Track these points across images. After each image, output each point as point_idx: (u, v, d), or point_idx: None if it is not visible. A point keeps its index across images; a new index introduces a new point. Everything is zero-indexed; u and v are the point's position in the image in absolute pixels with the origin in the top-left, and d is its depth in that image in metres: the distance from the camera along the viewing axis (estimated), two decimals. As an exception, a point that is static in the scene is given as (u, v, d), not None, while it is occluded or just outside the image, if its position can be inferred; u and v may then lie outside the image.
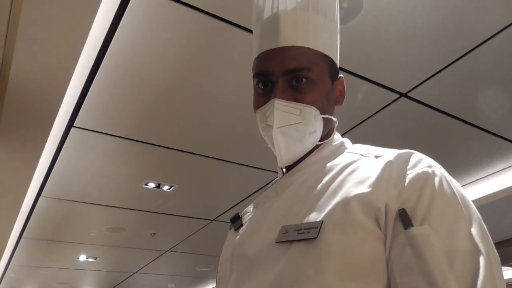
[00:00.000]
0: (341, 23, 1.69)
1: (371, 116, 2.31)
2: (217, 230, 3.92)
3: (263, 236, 0.74)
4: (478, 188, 3.17)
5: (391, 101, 2.19)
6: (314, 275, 0.63)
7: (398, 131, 2.48)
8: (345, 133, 2.44)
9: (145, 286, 6.58)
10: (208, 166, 2.80)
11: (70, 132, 2.34)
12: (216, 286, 0.86)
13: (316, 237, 0.64)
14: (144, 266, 5.29)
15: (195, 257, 4.92)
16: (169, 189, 3.11)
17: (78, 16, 1.50)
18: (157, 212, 3.57)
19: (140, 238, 4.22)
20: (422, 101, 2.19)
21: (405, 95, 2.15)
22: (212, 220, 3.77)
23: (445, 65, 1.95)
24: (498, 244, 4.05)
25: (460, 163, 2.86)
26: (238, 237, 0.81)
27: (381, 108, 2.25)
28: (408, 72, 1.99)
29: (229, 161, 2.77)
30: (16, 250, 4.31)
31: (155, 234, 4.08)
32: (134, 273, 5.64)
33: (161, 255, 4.80)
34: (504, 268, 5.58)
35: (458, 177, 3.02)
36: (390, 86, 2.09)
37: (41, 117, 2.04)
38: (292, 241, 0.67)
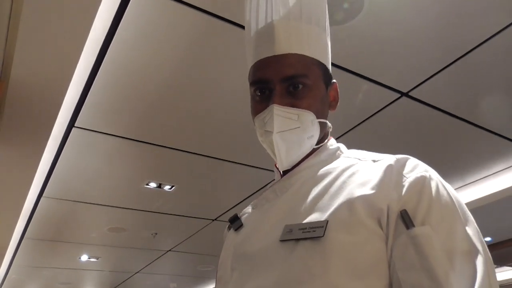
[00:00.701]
0: (342, 23, 1.70)
1: (372, 115, 2.31)
2: (218, 230, 3.92)
3: (265, 235, 0.75)
4: (479, 188, 3.16)
5: (392, 100, 2.19)
6: (320, 274, 0.65)
7: (399, 131, 2.47)
8: (346, 132, 2.44)
9: (147, 286, 6.59)
10: (210, 166, 2.81)
11: (71, 132, 2.35)
12: (215, 286, 0.86)
13: (323, 236, 0.66)
14: (145, 266, 5.30)
15: (196, 257, 4.93)
16: (170, 189, 3.11)
17: (78, 17, 1.50)
18: (158, 212, 3.57)
19: (141, 238, 4.23)
20: (423, 100, 2.19)
21: (406, 94, 2.15)
22: (213, 220, 3.78)
23: (446, 65, 1.95)
24: (499, 244, 4.04)
25: (461, 163, 2.86)
26: (239, 237, 0.82)
27: (382, 107, 2.25)
28: (409, 71, 1.99)
29: (231, 161, 2.77)
30: (18, 250, 4.32)
31: (156, 234, 4.09)
32: (135, 273, 5.65)
33: (162, 255, 4.80)
34: (504, 268, 5.57)
35: (459, 177, 3.02)
36: (391, 86, 2.09)
37: (42, 117, 2.05)
38: (297, 240, 0.68)
